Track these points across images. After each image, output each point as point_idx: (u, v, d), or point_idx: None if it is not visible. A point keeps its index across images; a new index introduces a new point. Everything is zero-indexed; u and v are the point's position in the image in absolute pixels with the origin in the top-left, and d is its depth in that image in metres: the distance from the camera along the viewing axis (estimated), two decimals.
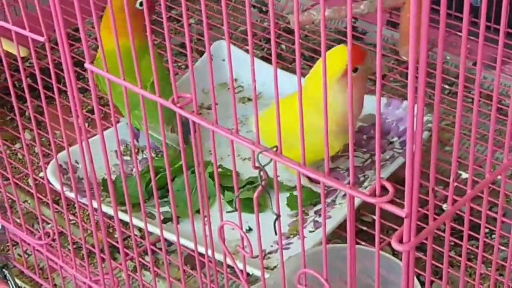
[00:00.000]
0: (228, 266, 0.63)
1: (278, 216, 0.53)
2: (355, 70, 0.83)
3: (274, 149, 0.50)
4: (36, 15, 0.61)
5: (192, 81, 0.55)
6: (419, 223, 0.46)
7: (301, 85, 0.48)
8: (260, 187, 0.53)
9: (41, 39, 0.62)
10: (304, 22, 1.08)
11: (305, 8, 1.22)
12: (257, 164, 0.51)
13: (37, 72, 0.66)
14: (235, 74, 1.08)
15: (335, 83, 0.84)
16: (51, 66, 0.64)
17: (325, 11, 0.45)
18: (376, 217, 0.47)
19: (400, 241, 0.47)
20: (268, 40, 1.20)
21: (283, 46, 1.18)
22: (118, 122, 0.97)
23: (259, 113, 0.54)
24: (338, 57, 0.84)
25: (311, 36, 1.21)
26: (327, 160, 0.49)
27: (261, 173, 0.52)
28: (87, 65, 0.61)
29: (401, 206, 0.46)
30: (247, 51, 1.14)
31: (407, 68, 1.10)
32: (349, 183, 0.46)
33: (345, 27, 1.20)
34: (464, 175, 0.89)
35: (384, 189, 0.46)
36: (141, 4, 0.97)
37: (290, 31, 1.20)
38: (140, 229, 0.89)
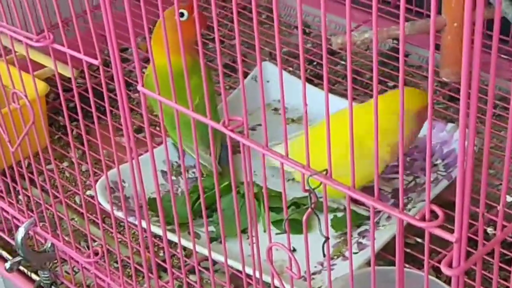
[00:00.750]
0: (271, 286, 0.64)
1: (327, 239, 0.54)
2: None
3: (324, 172, 0.51)
4: (84, 36, 0.63)
5: (243, 104, 0.56)
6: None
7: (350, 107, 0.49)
8: (309, 210, 0.53)
9: (95, 62, 0.63)
10: (345, 43, 1.09)
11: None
12: (307, 187, 0.52)
13: (90, 93, 0.67)
14: (279, 96, 1.09)
15: (410, 119, 0.86)
16: (104, 88, 0.66)
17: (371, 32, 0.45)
18: (425, 242, 0.48)
19: (450, 266, 0.47)
20: (310, 62, 1.21)
21: (327, 68, 1.19)
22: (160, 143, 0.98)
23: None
24: (416, 97, 0.88)
25: (353, 57, 1.22)
26: (377, 184, 0.50)
27: (311, 196, 0.53)
28: (139, 87, 0.63)
29: (448, 229, 0.47)
30: (290, 72, 1.15)
31: (449, 91, 1.10)
32: (394, 205, 0.47)
33: (388, 49, 1.21)
34: (509, 198, 0.89)
35: (432, 213, 0.47)
36: (182, 15, 0.97)
37: (333, 53, 1.21)
38: (184, 248, 0.90)
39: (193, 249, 0.69)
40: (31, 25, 0.68)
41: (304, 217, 0.54)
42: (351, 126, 0.49)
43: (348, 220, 0.53)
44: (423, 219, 0.47)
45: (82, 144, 1.05)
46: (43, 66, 1.11)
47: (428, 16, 1.18)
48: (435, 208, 0.46)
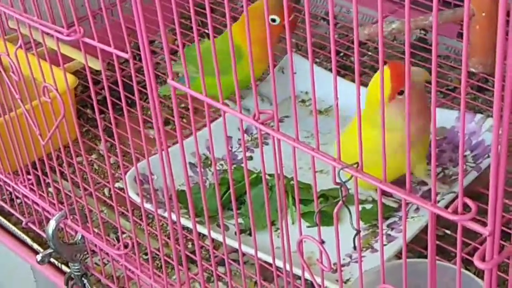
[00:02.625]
0: (300, 278, 0.64)
1: (358, 232, 0.54)
2: (401, 92, 0.81)
3: (355, 165, 0.51)
4: (112, 29, 0.63)
5: (274, 97, 0.56)
6: None
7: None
8: (340, 203, 0.53)
9: (125, 55, 0.64)
10: (372, 34, 1.08)
11: (374, 21, 1.22)
12: (337, 180, 0.52)
13: (120, 86, 0.68)
14: (306, 88, 1.09)
15: (387, 106, 0.83)
16: (134, 81, 0.66)
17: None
18: (458, 236, 0.48)
19: (482, 259, 0.47)
20: (337, 52, 1.20)
21: (353, 59, 1.19)
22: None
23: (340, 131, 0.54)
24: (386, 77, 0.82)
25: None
26: (409, 177, 0.49)
27: (342, 188, 0.53)
28: (170, 81, 0.63)
29: (478, 221, 0.47)
30: (317, 63, 1.15)
31: (478, 81, 1.10)
32: (422, 196, 0.46)
33: (415, 40, 1.20)
34: None
35: (465, 206, 0.47)
36: (273, 20, 1.01)
37: (360, 43, 1.20)
38: (212, 240, 0.91)
39: (223, 241, 0.69)
40: (61, 18, 0.68)
41: (336, 210, 0.54)
42: (383, 118, 0.49)
43: (380, 214, 0.53)
44: (455, 212, 0.47)
45: (110, 137, 1.05)
46: (71, 59, 1.12)
47: (456, 5, 1.17)
48: (468, 201, 0.46)
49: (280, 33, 1.04)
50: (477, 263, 0.46)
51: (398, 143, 0.81)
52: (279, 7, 1.00)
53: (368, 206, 0.91)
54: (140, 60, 1.03)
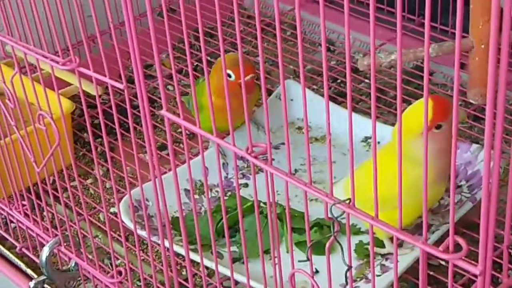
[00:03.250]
0: None
1: (349, 268, 0.54)
2: (438, 127, 0.79)
3: (348, 201, 0.51)
4: (107, 53, 0.64)
5: (267, 130, 0.56)
6: None
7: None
8: (332, 238, 0.53)
9: (120, 86, 0.64)
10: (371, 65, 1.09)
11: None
12: (330, 216, 0.52)
13: (114, 112, 0.68)
14: (302, 114, 1.09)
15: (419, 139, 0.79)
16: (128, 108, 0.66)
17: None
18: (449, 274, 0.47)
19: None
20: (334, 79, 1.21)
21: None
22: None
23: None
24: (421, 112, 0.81)
25: (377, 75, 1.21)
26: (400, 214, 0.49)
27: (334, 224, 0.53)
28: (163, 112, 0.63)
29: (472, 253, 0.46)
30: (314, 90, 1.15)
31: (474, 110, 1.10)
32: (419, 226, 0.46)
33: (412, 67, 1.20)
34: None
35: (456, 244, 0.47)
36: (229, 75, 0.98)
37: (356, 70, 1.21)
38: (206, 268, 0.90)
39: (215, 269, 0.69)
40: (56, 45, 0.68)
41: (327, 245, 0.54)
42: (375, 159, 0.49)
43: (371, 249, 0.53)
44: (446, 250, 0.47)
45: (107, 161, 1.05)
46: (68, 84, 1.12)
47: (453, 34, 1.17)
48: (459, 239, 0.46)
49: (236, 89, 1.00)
50: None
51: (430, 178, 0.80)
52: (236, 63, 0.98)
53: (365, 240, 0.91)
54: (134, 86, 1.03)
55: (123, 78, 0.63)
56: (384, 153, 0.68)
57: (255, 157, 0.56)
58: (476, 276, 0.46)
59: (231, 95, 0.57)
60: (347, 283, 0.56)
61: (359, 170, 0.76)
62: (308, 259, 0.57)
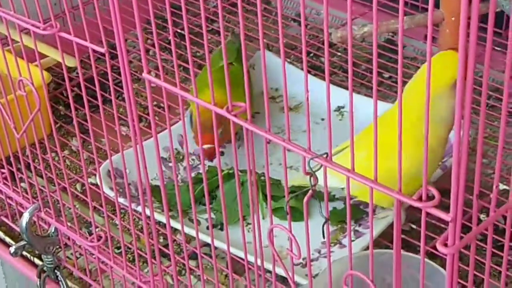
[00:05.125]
0: (270, 271, 0.65)
1: (327, 220, 0.56)
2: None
3: (325, 155, 0.53)
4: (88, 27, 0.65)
5: (246, 90, 0.58)
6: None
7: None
8: (310, 192, 0.55)
9: (101, 50, 0.65)
10: (345, 37, 1.11)
11: (344, 23, 1.25)
12: (307, 170, 0.54)
13: (96, 81, 0.69)
14: (277, 84, 1.11)
15: (448, 91, 0.79)
16: (109, 75, 0.67)
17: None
18: (422, 221, 0.50)
19: (445, 245, 0.49)
20: (307, 53, 1.22)
21: (323, 59, 1.21)
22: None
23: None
24: (449, 62, 0.80)
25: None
26: (376, 169, 0.52)
27: (312, 178, 0.54)
28: (144, 75, 0.64)
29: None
30: (288, 62, 1.17)
31: None
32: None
33: (384, 41, 1.23)
34: (502, 186, 0.92)
35: (428, 195, 0.49)
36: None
37: (330, 44, 1.23)
38: (184, 234, 0.92)
39: (196, 235, 0.70)
40: (37, 13, 0.69)
41: (305, 199, 0.56)
42: (352, 118, 0.51)
43: (348, 204, 0.55)
44: (419, 199, 0.49)
45: (83, 133, 1.07)
46: (44, 56, 1.12)
47: (424, 9, 1.20)
48: (432, 189, 0.48)
49: None
50: (440, 248, 0.48)
51: (443, 137, 0.81)
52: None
53: (339, 207, 0.93)
54: (111, 58, 1.04)
55: (103, 41, 0.64)
56: (390, 118, 0.69)
57: (235, 116, 0.57)
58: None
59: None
60: (324, 238, 0.58)
61: (361, 140, 0.76)
62: (286, 214, 0.59)
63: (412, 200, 0.49)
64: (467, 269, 0.75)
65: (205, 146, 0.94)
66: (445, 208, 0.53)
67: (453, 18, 1.07)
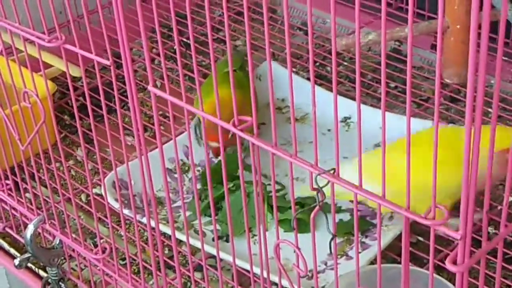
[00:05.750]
0: (276, 284, 0.65)
1: (334, 236, 0.55)
2: None
3: (332, 171, 0.53)
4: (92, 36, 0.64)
5: (253, 104, 0.57)
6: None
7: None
8: (317, 208, 0.55)
9: (106, 62, 0.64)
10: (349, 45, 1.10)
11: (351, 32, 1.24)
12: (315, 186, 0.54)
13: (101, 92, 0.68)
14: (283, 95, 1.11)
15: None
16: (114, 87, 0.67)
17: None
18: (431, 240, 0.49)
19: (454, 263, 0.48)
20: (314, 62, 1.22)
21: (329, 68, 1.20)
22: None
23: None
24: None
25: (354, 58, 1.23)
26: (384, 186, 0.51)
27: (319, 194, 0.54)
28: (150, 87, 0.64)
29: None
30: (294, 73, 1.17)
31: (451, 92, 1.12)
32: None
33: (390, 50, 1.22)
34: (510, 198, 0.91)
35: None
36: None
37: (337, 53, 1.22)
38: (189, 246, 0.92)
39: (201, 247, 0.70)
40: (41, 24, 0.69)
41: (312, 215, 0.55)
42: (359, 133, 0.50)
43: (355, 221, 0.54)
44: (428, 217, 0.48)
45: (88, 143, 1.06)
46: (49, 66, 1.12)
47: (430, 17, 1.19)
48: (441, 207, 0.48)
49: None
50: (449, 266, 0.48)
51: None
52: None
53: (346, 219, 0.92)
54: (117, 67, 1.04)
55: (109, 54, 0.64)
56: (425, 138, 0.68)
57: (241, 130, 0.57)
58: (453, 250, 0.48)
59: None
60: (331, 253, 0.57)
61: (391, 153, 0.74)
62: (293, 229, 0.58)
63: (421, 218, 0.48)
64: (475, 282, 0.74)
65: (213, 144, 0.93)
66: (454, 217, 0.52)
67: (458, 26, 1.07)
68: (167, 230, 0.87)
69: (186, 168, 1.01)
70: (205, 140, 0.63)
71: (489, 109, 1.05)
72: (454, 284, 0.59)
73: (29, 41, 0.73)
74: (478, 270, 0.68)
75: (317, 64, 1.22)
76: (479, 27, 0.42)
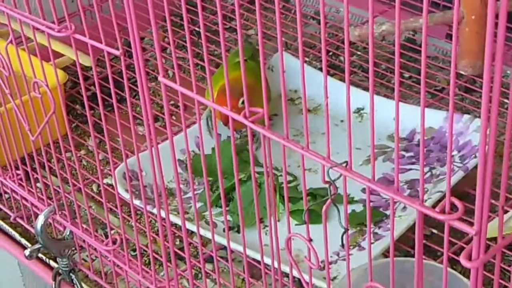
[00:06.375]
0: (287, 275, 0.64)
1: (346, 230, 0.55)
2: None
3: (344, 164, 0.52)
4: (102, 26, 0.64)
5: (264, 96, 0.56)
6: None
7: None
8: (329, 201, 0.54)
9: (116, 52, 0.64)
10: (363, 35, 1.09)
11: (364, 21, 1.23)
12: (327, 179, 0.53)
13: (110, 82, 0.68)
14: (296, 86, 1.10)
15: None
16: (124, 77, 0.66)
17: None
18: (445, 235, 0.48)
19: (469, 258, 0.47)
20: (328, 52, 1.21)
21: (342, 58, 1.19)
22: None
23: None
24: None
25: (368, 47, 1.22)
26: (397, 177, 0.50)
27: (331, 187, 0.53)
28: (160, 78, 0.63)
29: (464, 221, 0.47)
30: (306, 62, 1.16)
31: (465, 82, 1.10)
32: (409, 195, 0.47)
33: (404, 40, 1.21)
34: None
35: (452, 206, 0.47)
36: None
37: (350, 43, 1.21)
38: (200, 237, 0.91)
39: (212, 238, 0.69)
40: (51, 13, 0.68)
41: (324, 208, 0.54)
42: (372, 125, 0.50)
43: (368, 210, 0.53)
44: (442, 211, 0.47)
45: (99, 133, 1.06)
46: (60, 55, 1.12)
47: (445, 7, 1.18)
48: (455, 200, 0.47)
49: None
50: (463, 262, 0.47)
51: None
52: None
53: (358, 210, 0.92)
54: (129, 57, 1.03)
55: (119, 44, 0.63)
56: None
57: (252, 122, 0.56)
58: (467, 243, 0.47)
59: None
60: (343, 247, 0.57)
61: None
62: (305, 222, 0.57)
63: (434, 212, 0.47)
64: (489, 276, 0.73)
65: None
66: (468, 212, 0.51)
67: (473, 17, 1.05)
68: (178, 221, 0.86)
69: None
70: (215, 131, 0.62)
71: (505, 100, 1.04)
72: (468, 277, 0.58)
73: (40, 31, 0.73)
74: (492, 263, 0.67)
75: (330, 54, 1.21)
76: (496, 17, 0.41)
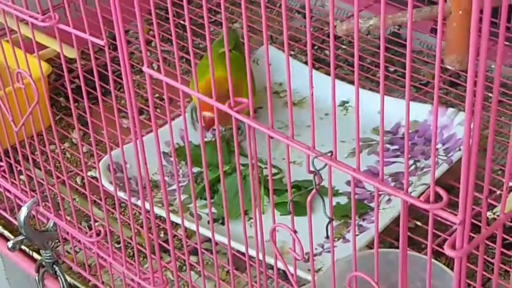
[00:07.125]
0: (272, 267, 0.64)
1: (331, 220, 0.55)
2: None
3: (329, 154, 0.52)
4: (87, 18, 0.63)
5: (249, 86, 0.56)
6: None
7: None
8: (314, 191, 0.54)
9: (101, 42, 0.63)
10: (350, 30, 1.09)
11: (350, 15, 1.23)
12: (312, 169, 0.53)
13: (95, 74, 0.67)
14: (281, 79, 1.10)
15: None
16: (109, 69, 0.66)
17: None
18: (429, 224, 0.48)
19: (453, 248, 0.48)
20: (313, 46, 1.21)
21: (327, 52, 1.19)
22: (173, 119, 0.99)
23: None
24: None
25: (354, 41, 1.22)
26: (382, 166, 0.50)
27: (316, 177, 0.53)
28: (145, 68, 0.63)
29: (449, 213, 0.47)
30: (291, 55, 1.16)
31: (450, 76, 1.11)
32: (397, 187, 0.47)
33: (389, 34, 1.21)
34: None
35: (436, 196, 0.47)
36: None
37: (336, 37, 1.21)
38: (185, 229, 0.91)
39: (197, 230, 0.69)
40: (35, 5, 0.68)
41: (309, 198, 0.54)
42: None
43: (353, 200, 0.53)
44: (427, 201, 0.47)
45: (83, 125, 1.05)
46: (44, 47, 1.11)
47: (430, 2, 1.18)
48: (440, 190, 0.47)
49: None
50: (447, 251, 0.47)
51: None
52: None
53: (343, 202, 0.92)
54: (114, 50, 1.03)
55: (103, 34, 0.63)
56: None
57: (237, 112, 0.56)
58: (451, 235, 0.47)
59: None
60: (327, 238, 0.57)
61: None
62: (289, 213, 0.57)
63: (419, 202, 0.47)
64: (473, 268, 0.74)
65: (206, 114, 0.92)
66: (452, 205, 0.52)
67: (460, 12, 1.06)
68: (163, 213, 0.86)
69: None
70: (200, 122, 0.62)
71: (489, 94, 1.04)
72: (452, 269, 0.58)
73: (24, 22, 0.72)
74: (476, 255, 0.68)
75: (316, 47, 1.21)
76: (481, 11, 0.41)
